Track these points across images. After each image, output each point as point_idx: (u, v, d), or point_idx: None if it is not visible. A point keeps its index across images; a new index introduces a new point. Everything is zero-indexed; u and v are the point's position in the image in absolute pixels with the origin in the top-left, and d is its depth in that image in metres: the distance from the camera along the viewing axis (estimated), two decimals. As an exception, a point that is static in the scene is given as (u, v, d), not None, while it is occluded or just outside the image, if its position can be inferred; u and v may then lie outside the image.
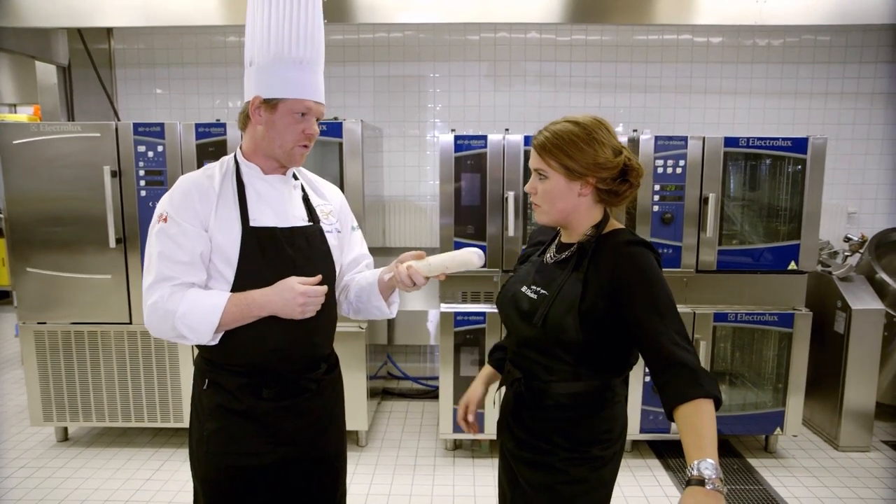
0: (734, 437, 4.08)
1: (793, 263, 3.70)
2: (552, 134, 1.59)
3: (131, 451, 3.90)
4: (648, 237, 3.62)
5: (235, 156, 1.81)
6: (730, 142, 3.60)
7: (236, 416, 1.75)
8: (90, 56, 4.51)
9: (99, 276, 3.72)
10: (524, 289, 1.70)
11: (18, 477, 3.60)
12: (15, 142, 3.64)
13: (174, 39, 4.74)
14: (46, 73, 4.42)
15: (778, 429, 3.80)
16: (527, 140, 3.62)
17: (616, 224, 1.66)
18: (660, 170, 3.59)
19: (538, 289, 1.66)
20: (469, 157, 3.60)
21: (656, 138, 3.57)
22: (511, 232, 3.60)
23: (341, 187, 3.66)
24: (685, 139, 3.58)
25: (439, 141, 3.61)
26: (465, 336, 3.70)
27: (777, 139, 3.61)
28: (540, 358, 1.64)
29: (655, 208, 3.61)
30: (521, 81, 4.72)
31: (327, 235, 1.87)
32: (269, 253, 1.73)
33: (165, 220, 1.69)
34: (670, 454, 3.88)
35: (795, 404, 3.76)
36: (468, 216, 3.65)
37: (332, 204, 1.95)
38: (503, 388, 1.83)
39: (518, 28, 4.68)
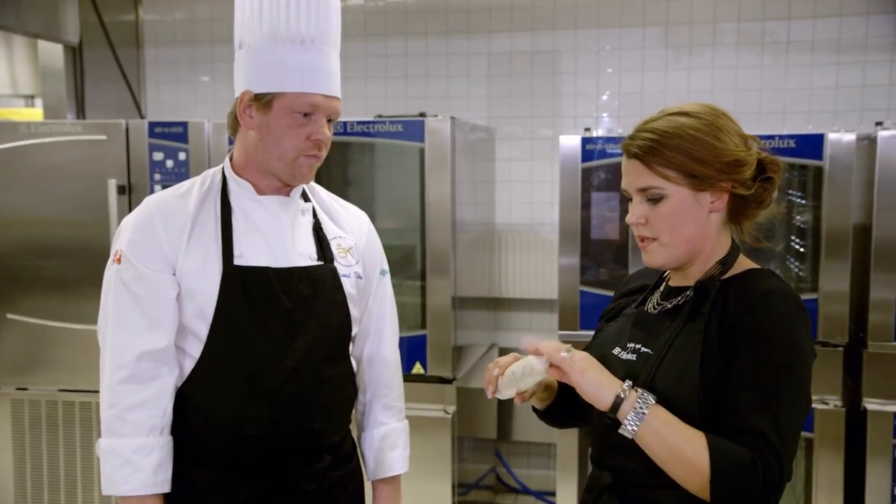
0: None
1: None
2: (659, 134, 1.62)
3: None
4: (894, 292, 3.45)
5: (223, 169, 1.94)
6: None
7: None
8: (105, 31, 4.99)
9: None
10: (616, 351, 1.74)
11: None
12: (0, 146, 4.09)
13: (223, 6, 5.12)
14: (51, 55, 4.91)
15: None
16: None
17: (748, 262, 1.71)
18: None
19: (637, 346, 1.70)
20: (604, 169, 3.61)
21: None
22: (665, 278, 3.52)
23: (421, 208, 3.79)
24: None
25: (560, 145, 3.63)
26: (596, 433, 3.64)
27: None
28: (639, 452, 1.60)
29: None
30: (707, 53, 4.64)
31: (343, 280, 1.95)
32: (258, 303, 1.83)
33: (119, 260, 1.83)
34: None
35: None
36: (601, 255, 3.66)
37: (353, 237, 2.04)
38: None
39: (704, -26, 4.63)
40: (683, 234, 1.64)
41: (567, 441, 3.72)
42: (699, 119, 1.61)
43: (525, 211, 4.89)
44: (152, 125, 4.00)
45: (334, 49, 1.87)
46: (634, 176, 1.65)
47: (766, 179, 1.65)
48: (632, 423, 1.51)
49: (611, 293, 3.59)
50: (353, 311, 1.98)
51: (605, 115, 4.80)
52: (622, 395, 1.53)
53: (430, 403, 3.84)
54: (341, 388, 1.97)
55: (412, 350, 3.84)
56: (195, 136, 3.97)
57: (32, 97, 7.78)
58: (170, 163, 3.98)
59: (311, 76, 1.81)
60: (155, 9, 5.24)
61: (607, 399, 1.53)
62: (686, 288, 1.69)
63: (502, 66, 4.88)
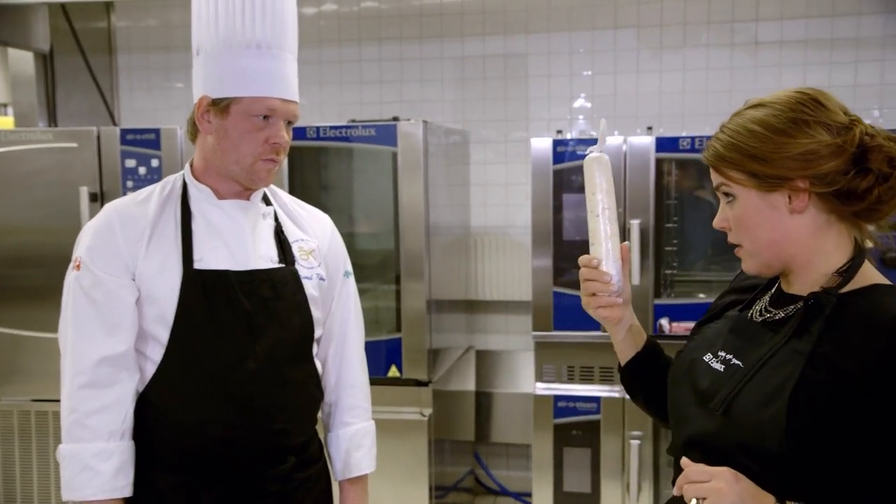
0: None
1: None
2: (725, 132, 1.53)
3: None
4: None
5: (184, 174, 1.96)
6: None
7: None
8: (77, 38, 4.96)
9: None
10: (707, 357, 1.61)
11: None
12: (-30, 155, 4.06)
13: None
14: (21, 63, 4.88)
15: None
16: (661, 143, 3.61)
17: (874, 274, 1.50)
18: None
19: (729, 357, 1.56)
20: (575, 170, 3.63)
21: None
22: (636, 279, 3.56)
23: (395, 212, 3.79)
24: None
25: (531, 147, 3.66)
26: (571, 432, 3.69)
27: None
28: None
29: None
30: (678, 55, 4.67)
31: (304, 282, 1.97)
32: (218, 306, 1.86)
33: (79, 266, 1.86)
34: None
35: None
36: (573, 255, 3.56)
37: (315, 239, 2.06)
38: None
39: (673, -23, 4.66)
40: (761, 238, 1.51)
41: (542, 442, 3.73)
42: (773, 109, 1.48)
43: (500, 213, 4.90)
44: (124, 132, 3.99)
45: (291, 54, 1.90)
46: (712, 175, 1.56)
47: (863, 171, 1.42)
48: None
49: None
50: (316, 313, 2.00)
51: (580, 117, 4.81)
52: None
53: (407, 406, 3.84)
54: (305, 389, 1.99)
55: (388, 353, 3.83)
56: (168, 142, 3.96)
57: (5, 105, 7.73)
58: (142, 170, 3.96)
59: (268, 81, 1.84)
60: (127, 16, 5.21)
61: None
62: (798, 298, 1.51)
63: (476, 70, 4.89)
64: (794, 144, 1.43)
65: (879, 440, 1.34)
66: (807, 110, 1.46)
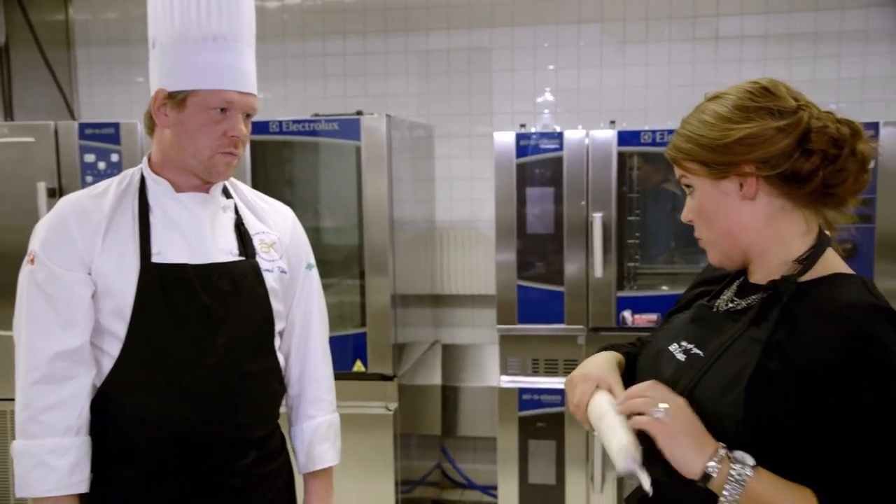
0: None
1: None
2: (685, 125, 1.56)
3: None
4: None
5: (142, 168, 1.95)
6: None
7: None
8: (32, 30, 4.90)
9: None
10: (673, 347, 1.62)
11: None
12: (-76, 150, 3.98)
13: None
14: (-25, 56, 4.82)
15: None
16: (623, 137, 3.62)
17: (837, 263, 1.50)
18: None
19: (690, 346, 1.58)
20: (538, 164, 3.65)
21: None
22: (598, 272, 3.60)
23: (358, 208, 3.78)
24: (877, 126, 3.44)
25: (495, 142, 3.67)
26: (536, 424, 3.71)
27: None
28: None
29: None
30: (641, 49, 4.70)
31: (265, 275, 1.96)
32: (176, 299, 1.84)
33: (33, 261, 1.84)
34: None
35: None
36: (537, 249, 3.69)
37: (276, 232, 2.05)
38: None
39: (633, -28, 4.68)
40: (717, 228, 1.53)
41: (507, 434, 3.75)
42: (723, 100, 1.50)
43: (465, 208, 4.90)
44: (83, 126, 3.94)
45: (248, 47, 1.89)
46: (675, 169, 1.59)
47: (806, 152, 1.43)
48: (730, 496, 1.34)
49: (547, 287, 3.74)
50: (277, 306, 1.99)
51: (544, 111, 4.83)
52: (715, 465, 1.35)
53: (372, 401, 3.84)
54: (266, 383, 1.98)
55: (353, 348, 3.83)
56: (127, 136, 3.92)
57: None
58: (102, 164, 3.91)
59: (225, 73, 1.83)
60: (86, 8, 5.15)
61: (696, 470, 1.36)
62: (760, 287, 1.51)
63: (440, 64, 4.89)
64: (737, 130, 1.45)
65: (829, 430, 1.33)
66: (754, 98, 1.48)
